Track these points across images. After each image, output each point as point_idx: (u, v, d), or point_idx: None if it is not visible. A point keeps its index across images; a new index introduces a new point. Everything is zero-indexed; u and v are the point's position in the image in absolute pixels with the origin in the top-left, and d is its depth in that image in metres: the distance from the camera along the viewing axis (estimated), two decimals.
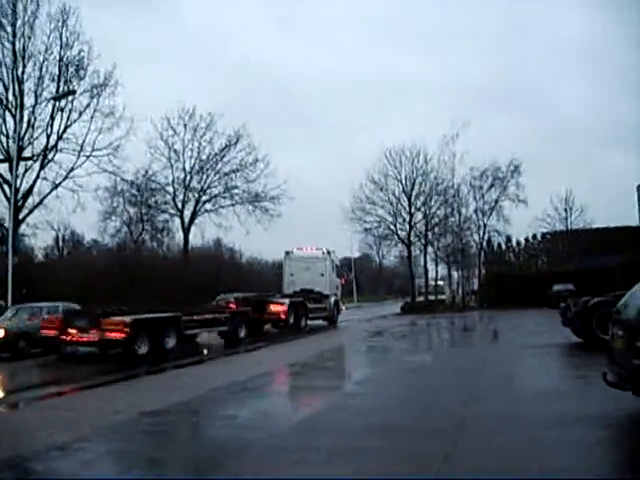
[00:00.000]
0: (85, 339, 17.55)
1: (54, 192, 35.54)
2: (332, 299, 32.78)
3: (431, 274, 54.74)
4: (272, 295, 29.25)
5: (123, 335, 16.96)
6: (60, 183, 35.53)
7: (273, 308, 27.04)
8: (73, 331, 17.68)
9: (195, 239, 50.00)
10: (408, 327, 30.48)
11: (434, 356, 17.00)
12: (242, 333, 22.46)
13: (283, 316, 27.00)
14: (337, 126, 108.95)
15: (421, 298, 54.12)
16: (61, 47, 34.73)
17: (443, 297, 55.12)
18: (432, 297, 53.78)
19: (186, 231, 46.86)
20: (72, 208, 36.54)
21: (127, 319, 17.32)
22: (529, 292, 44.51)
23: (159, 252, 50.80)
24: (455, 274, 55.45)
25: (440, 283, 57.10)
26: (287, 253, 33.47)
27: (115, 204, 45.89)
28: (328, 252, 33.35)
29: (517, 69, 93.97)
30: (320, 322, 30.91)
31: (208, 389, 11.52)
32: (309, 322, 29.25)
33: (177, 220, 47.65)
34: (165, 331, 18.44)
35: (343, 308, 37.28)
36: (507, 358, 15.56)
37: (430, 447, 6.88)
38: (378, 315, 45.34)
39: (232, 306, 24.53)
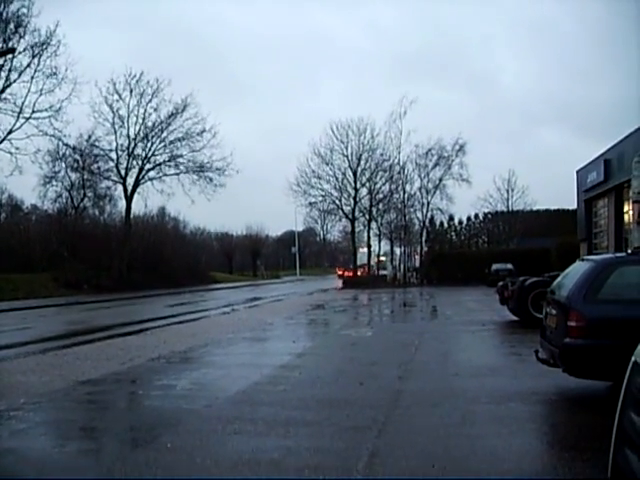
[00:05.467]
0: (346, 274, 57.63)
1: None
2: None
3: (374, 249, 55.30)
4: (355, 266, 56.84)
5: (349, 275, 56.11)
6: None
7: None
8: (340, 272, 63.47)
9: (138, 208, 49.30)
10: (349, 301, 30.74)
11: (374, 330, 17.16)
12: None
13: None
14: (282, 99, 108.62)
15: None
16: (0, 2, 33.41)
17: (385, 273, 55.68)
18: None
19: (129, 199, 45.98)
20: (9, 171, 35.50)
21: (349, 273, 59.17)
22: (469, 270, 45.35)
23: (100, 220, 49.88)
24: (397, 250, 56.03)
25: (382, 259, 57.64)
26: (357, 249, 56.85)
27: (56, 169, 44.79)
28: (370, 249, 53.72)
29: (461, 46, 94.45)
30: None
31: None
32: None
33: (120, 187, 46.74)
34: None
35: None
36: (445, 334, 15.82)
37: (365, 421, 6.97)
38: (320, 289, 45.64)
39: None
